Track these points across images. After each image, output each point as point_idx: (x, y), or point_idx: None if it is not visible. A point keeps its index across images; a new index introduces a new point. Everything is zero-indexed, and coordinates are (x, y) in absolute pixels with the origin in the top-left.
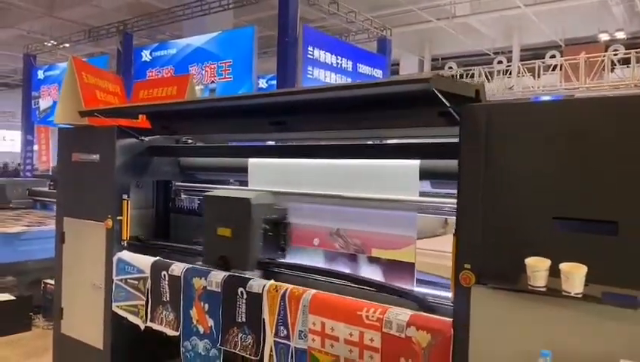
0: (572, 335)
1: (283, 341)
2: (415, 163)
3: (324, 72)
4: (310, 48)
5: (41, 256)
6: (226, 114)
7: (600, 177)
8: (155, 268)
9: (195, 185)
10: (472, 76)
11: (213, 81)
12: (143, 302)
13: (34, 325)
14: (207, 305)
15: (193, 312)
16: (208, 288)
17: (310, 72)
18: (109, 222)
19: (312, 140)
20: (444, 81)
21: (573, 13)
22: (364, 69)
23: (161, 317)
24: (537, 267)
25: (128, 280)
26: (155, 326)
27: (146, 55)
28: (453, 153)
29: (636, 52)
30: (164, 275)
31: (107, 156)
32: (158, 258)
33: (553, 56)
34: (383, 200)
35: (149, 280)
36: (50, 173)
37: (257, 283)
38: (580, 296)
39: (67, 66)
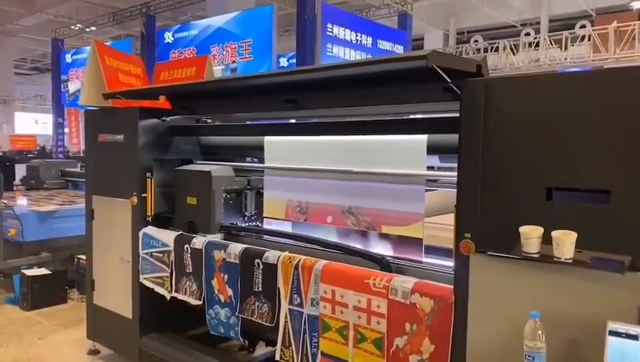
0: (562, 298)
1: (297, 308)
2: (423, 138)
3: (344, 48)
4: (329, 25)
5: (73, 233)
6: (243, 93)
7: (592, 149)
8: (178, 242)
9: (215, 163)
10: (497, 50)
11: (234, 61)
12: (168, 274)
13: (69, 298)
14: (226, 276)
15: (214, 282)
16: (227, 260)
17: (330, 50)
18: (134, 199)
19: (324, 118)
20: (443, 57)
21: None
22: (384, 44)
23: (185, 288)
24: (530, 234)
25: (153, 254)
26: (180, 296)
27: (168, 37)
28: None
29: None
30: (187, 248)
31: (131, 136)
32: (180, 232)
33: (583, 27)
34: (391, 174)
35: (172, 253)
36: (81, 154)
37: (272, 254)
38: (569, 261)
39: (90, 50)
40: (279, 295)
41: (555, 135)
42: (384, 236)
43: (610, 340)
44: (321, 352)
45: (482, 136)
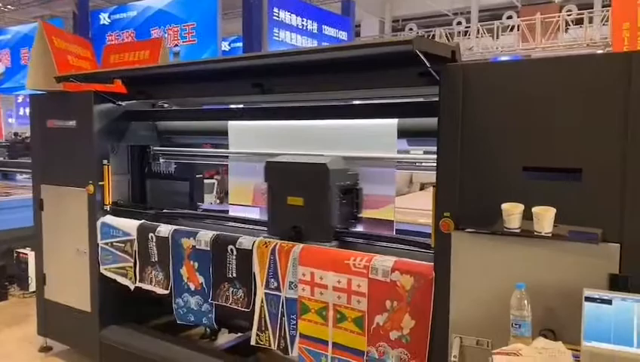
0: (541, 270)
1: (274, 292)
2: (393, 122)
3: (290, 33)
4: (276, 10)
5: (10, 225)
6: (206, 77)
7: (565, 129)
8: (142, 231)
9: (174, 149)
10: (433, 37)
11: (176, 45)
12: (132, 264)
13: (10, 294)
14: (196, 264)
15: (183, 271)
16: (197, 247)
17: (276, 34)
18: (91, 188)
19: (291, 103)
20: (426, 42)
21: None
22: (329, 30)
23: (151, 277)
24: (512, 211)
25: (114, 244)
26: (145, 286)
27: (104, 18)
28: (432, 111)
29: (589, 12)
30: (152, 237)
31: (85, 122)
32: (143, 221)
33: (510, 17)
34: (363, 158)
35: (135, 243)
36: (5, 142)
37: (247, 240)
38: (549, 235)
39: (37, 31)
40: (255, 279)
41: (530, 116)
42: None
43: (587, 306)
44: (300, 334)
45: (461, 119)
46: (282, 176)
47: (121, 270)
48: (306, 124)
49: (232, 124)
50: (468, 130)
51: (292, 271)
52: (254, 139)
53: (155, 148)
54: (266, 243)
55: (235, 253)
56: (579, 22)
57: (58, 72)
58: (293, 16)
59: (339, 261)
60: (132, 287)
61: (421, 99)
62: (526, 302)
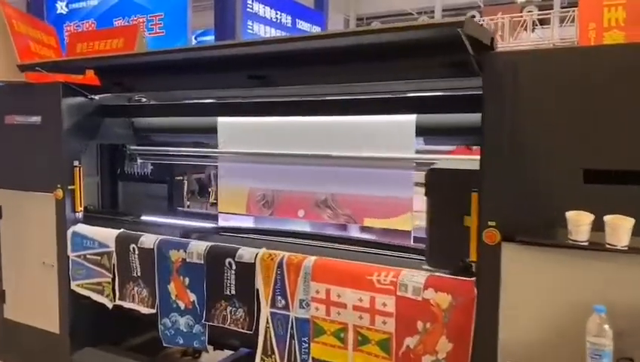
0: (617, 289)
1: (281, 311)
2: (411, 118)
3: (264, 27)
4: (249, 2)
5: None
6: (195, 67)
7: (635, 126)
8: (121, 242)
9: (156, 148)
10: None
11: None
12: (109, 279)
13: None
14: (187, 279)
15: (171, 287)
16: (188, 260)
17: (250, 27)
18: (59, 193)
19: (294, 97)
20: (475, 26)
21: None
22: (303, 25)
23: (133, 294)
24: (581, 221)
25: (88, 256)
26: (127, 305)
27: (61, 7)
28: (461, 106)
29: (560, 11)
30: (133, 249)
31: (52, 117)
32: (121, 230)
33: (473, 17)
34: (376, 158)
35: (114, 255)
36: None
37: (248, 252)
38: (626, 248)
39: None
40: (258, 297)
41: (593, 112)
42: (367, 230)
43: None
44: (313, 358)
45: (510, 114)
46: (457, 189)
47: (96, 286)
48: (307, 121)
49: (222, 121)
50: (517, 127)
51: (303, 288)
52: (248, 137)
53: (132, 147)
54: (271, 255)
55: (234, 266)
56: (542, 22)
57: (20, 60)
58: (268, 8)
59: (360, 276)
60: (110, 306)
61: (439, 93)
62: (607, 327)
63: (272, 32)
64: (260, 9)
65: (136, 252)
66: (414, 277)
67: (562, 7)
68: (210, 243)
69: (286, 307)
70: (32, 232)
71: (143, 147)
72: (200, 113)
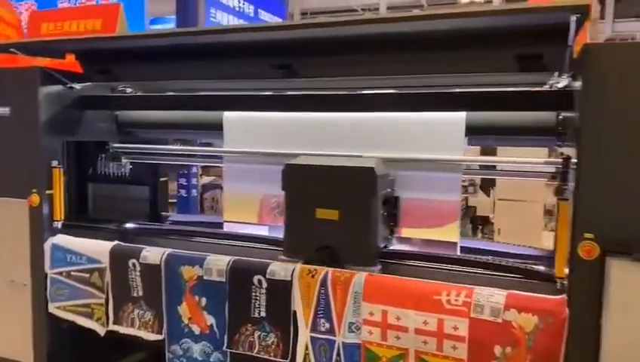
0: None
1: (324, 336)
2: (460, 116)
3: (227, 15)
4: None
5: None
6: (204, 55)
7: None
8: (118, 256)
9: (148, 146)
10: None
11: None
12: (101, 300)
13: None
14: (204, 299)
15: (182, 309)
16: (206, 278)
17: (213, 15)
18: (35, 198)
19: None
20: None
21: None
22: (264, 15)
23: (132, 318)
24: None
25: (72, 273)
26: (124, 330)
27: None
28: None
29: None
30: (134, 264)
31: (25, 109)
32: (116, 242)
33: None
34: (419, 160)
35: (108, 272)
36: None
37: (282, 268)
38: None
39: None
40: (295, 320)
41: None
42: (405, 241)
43: None
44: None
45: (614, 113)
46: (309, 183)
47: (82, 308)
48: (334, 118)
49: (229, 116)
50: (622, 128)
51: (353, 309)
52: (261, 135)
53: (115, 145)
54: (311, 271)
55: (264, 284)
56: None
57: None
58: None
59: (426, 296)
60: (102, 332)
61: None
62: None
63: (235, 22)
64: None
65: (138, 268)
66: (492, 297)
67: None
68: (232, 258)
69: (331, 331)
70: None
71: (128, 144)
72: (209, 106)
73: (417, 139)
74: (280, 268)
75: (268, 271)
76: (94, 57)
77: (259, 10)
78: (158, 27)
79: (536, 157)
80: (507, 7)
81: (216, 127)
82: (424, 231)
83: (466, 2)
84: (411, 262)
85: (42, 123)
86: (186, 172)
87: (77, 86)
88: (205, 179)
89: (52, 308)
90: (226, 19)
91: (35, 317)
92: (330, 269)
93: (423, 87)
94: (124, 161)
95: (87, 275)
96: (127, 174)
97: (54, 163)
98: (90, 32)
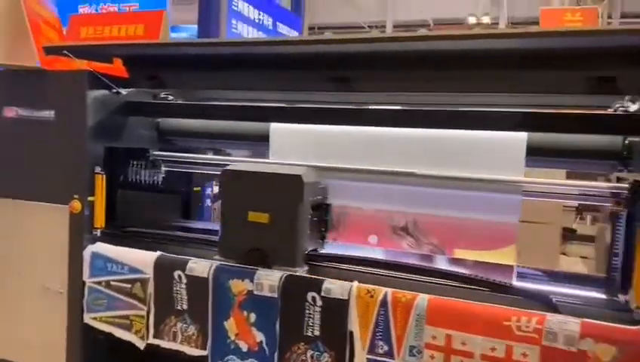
0: None
1: (382, 358)
2: (522, 136)
3: (247, 27)
4: None
5: None
6: (256, 64)
7: None
8: (162, 267)
9: (191, 155)
10: None
11: None
12: (142, 312)
13: None
14: (253, 315)
15: (230, 324)
16: (256, 293)
17: (234, 26)
18: (77, 205)
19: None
20: None
21: None
22: (282, 28)
23: (174, 332)
24: None
25: (112, 283)
26: (165, 344)
27: None
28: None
29: None
30: (179, 276)
31: (71, 112)
32: (160, 253)
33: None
34: (476, 180)
35: (151, 283)
36: None
37: (339, 286)
38: None
39: None
40: (351, 341)
41: None
42: (456, 262)
43: None
44: None
45: None
46: (243, 187)
47: (121, 320)
48: (388, 133)
49: (276, 128)
50: None
51: (415, 332)
52: (309, 147)
53: (155, 152)
54: (370, 291)
55: (319, 302)
56: None
57: (35, 42)
58: (252, 8)
59: (494, 321)
60: (142, 345)
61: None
62: None
63: (254, 34)
64: (244, 8)
65: (184, 280)
66: (566, 325)
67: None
68: (284, 273)
69: (389, 354)
70: (32, 251)
71: (170, 152)
72: (272, 117)
73: (476, 158)
74: (336, 286)
75: (323, 288)
76: (140, 63)
77: (277, 23)
78: (174, 35)
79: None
80: (588, 28)
81: (260, 138)
82: (479, 253)
83: (473, 23)
84: (337, 265)
85: (89, 128)
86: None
87: (123, 91)
88: (216, 189)
89: (88, 318)
90: (246, 31)
91: (70, 327)
92: (390, 289)
93: (481, 106)
94: (163, 169)
95: (129, 286)
96: (160, 182)
97: (97, 169)
98: (133, 37)
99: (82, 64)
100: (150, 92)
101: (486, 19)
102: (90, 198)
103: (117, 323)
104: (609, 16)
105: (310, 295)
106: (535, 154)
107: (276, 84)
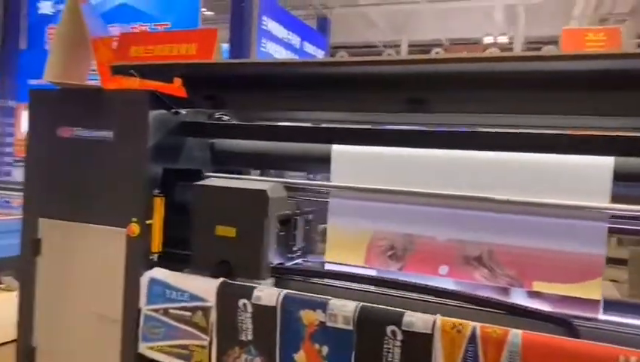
0: None
1: None
2: (608, 160)
3: (276, 46)
4: (265, 18)
5: None
6: (324, 85)
7: None
8: (226, 295)
9: (245, 177)
10: None
11: None
12: (203, 342)
13: None
14: (325, 348)
15: (299, 357)
16: (329, 324)
17: (264, 45)
18: (135, 228)
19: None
20: None
21: (460, 15)
22: (309, 47)
23: None
24: None
25: (171, 311)
26: None
27: (46, 7)
28: None
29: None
30: (244, 305)
31: (131, 133)
32: (223, 279)
33: (437, 53)
34: (559, 206)
35: (213, 312)
36: None
37: (421, 319)
38: None
39: (66, 5)
40: None
41: None
42: (535, 296)
43: None
44: None
45: None
46: (212, 202)
47: (180, 350)
48: (454, 155)
49: (339, 150)
50: None
51: None
52: (373, 170)
53: (208, 173)
54: (455, 325)
55: (399, 336)
56: None
57: (96, 59)
58: (281, 27)
59: (597, 359)
60: None
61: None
62: None
63: (282, 53)
64: (273, 27)
65: (249, 309)
66: None
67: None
68: (360, 304)
69: None
70: (85, 276)
71: (225, 174)
72: (328, 139)
73: (557, 183)
74: (418, 320)
75: (404, 321)
76: (199, 83)
77: (304, 42)
78: None
79: None
80: None
81: (318, 161)
82: (560, 287)
83: (489, 43)
84: (303, 278)
85: (149, 148)
86: None
87: (182, 111)
88: None
89: (143, 348)
90: (274, 50)
91: (124, 357)
92: (479, 324)
93: (563, 128)
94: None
95: (189, 314)
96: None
97: (156, 191)
98: (186, 56)
99: (135, 83)
100: (205, 112)
101: (502, 39)
102: (147, 222)
103: (175, 352)
104: (638, 37)
105: (389, 328)
106: (621, 180)
107: (335, 104)
